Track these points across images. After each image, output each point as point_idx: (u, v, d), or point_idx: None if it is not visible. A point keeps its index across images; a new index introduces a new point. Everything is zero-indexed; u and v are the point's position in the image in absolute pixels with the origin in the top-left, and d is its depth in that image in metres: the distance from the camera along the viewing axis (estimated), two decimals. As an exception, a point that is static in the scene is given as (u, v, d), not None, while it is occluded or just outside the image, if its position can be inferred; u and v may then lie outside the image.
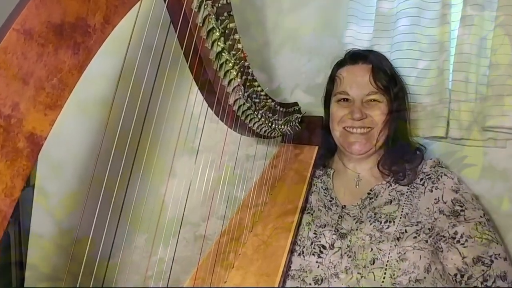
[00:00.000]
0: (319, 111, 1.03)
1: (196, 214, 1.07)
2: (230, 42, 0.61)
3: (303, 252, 0.79)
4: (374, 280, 0.71)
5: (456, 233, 0.74)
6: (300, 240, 0.81)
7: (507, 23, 0.86)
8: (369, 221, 0.80)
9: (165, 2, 0.47)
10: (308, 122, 1.04)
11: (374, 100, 0.88)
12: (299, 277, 0.77)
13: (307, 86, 1.17)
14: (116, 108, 0.43)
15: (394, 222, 0.78)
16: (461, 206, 0.77)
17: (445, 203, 0.78)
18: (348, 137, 0.90)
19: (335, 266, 0.76)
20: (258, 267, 0.72)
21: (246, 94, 0.71)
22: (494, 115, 0.86)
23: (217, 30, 0.57)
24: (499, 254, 0.71)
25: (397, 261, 0.72)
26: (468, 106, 0.92)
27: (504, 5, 0.86)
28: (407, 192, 0.83)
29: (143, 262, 0.94)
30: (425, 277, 0.71)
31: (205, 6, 0.54)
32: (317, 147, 1.02)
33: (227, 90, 0.67)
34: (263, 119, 0.80)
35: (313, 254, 0.78)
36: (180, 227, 1.03)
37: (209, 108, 0.68)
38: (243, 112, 0.74)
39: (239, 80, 0.66)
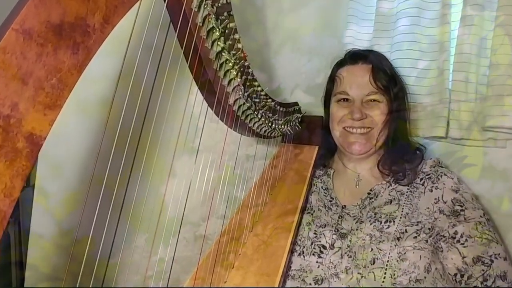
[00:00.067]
0: (319, 111, 1.03)
1: (196, 214, 1.07)
2: (230, 42, 0.61)
3: (303, 252, 0.79)
4: (374, 280, 0.71)
5: (456, 232, 0.74)
6: (300, 240, 0.81)
7: (507, 23, 0.85)
8: (369, 221, 0.80)
9: (164, 2, 0.47)
10: (308, 122, 1.04)
11: (374, 100, 0.88)
12: (299, 277, 0.77)
13: (307, 86, 1.17)
14: (116, 107, 0.43)
15: (394, 222, 0.78)
16: (461, 206, 0.77)
17: (445, 203, 0.78)
18: (348, 137, 0.90)
19: (335, 266, 0.76)
20: (258, 267, 0.72)
21: (246, 94, 0.71)
22: (494, 115, 0.86)
23: (217, 29, 0.57)
24: (499, 254, 0.71)
25: (397, 261, 0.72)
26: (468, 106, 0.92)
27: (504, 5, 0.86)
28: (407, 192, 0.83)
29: (143, 262, 0.94)
30: (425, 277, 0.71)
31: (205, 6, 0.54)
32: (317, 147, 1.02)
33: (227, 90, 0.67)
34: (263, 119, 0.80)
35: (313, 254, 0.78)
36: (180, 227, 1.03)
37: (209, 108, 0.67)
38: (243, 112, 0.74)
39: (239, 80, 0.66)
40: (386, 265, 0.72)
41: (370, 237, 0.77)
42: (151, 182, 0.95)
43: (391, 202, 0.82)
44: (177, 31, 0.51)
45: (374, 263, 0.73)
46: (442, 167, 0.85)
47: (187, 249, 1.10)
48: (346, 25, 1.12)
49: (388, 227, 0.77)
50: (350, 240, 0.78)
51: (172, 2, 0.49)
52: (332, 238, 0.79)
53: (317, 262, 0.77)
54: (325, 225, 0.83)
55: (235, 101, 0.70)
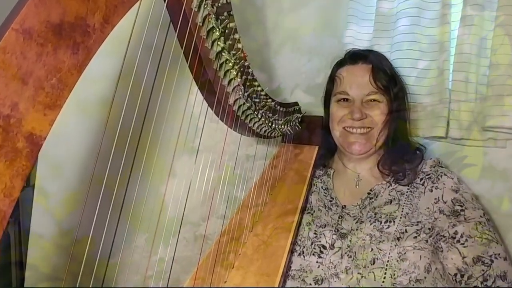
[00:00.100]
0: (319, 111, 1.03)
1: (196, 214, 1.07)
2: (230, 42, 0.61)
3: (303, 252, 0.79)
4: (375, 280, 0.71)
5: (456, 232, 0.74)
6: (300, 240, 0.81)
7: (507, 23, 0.85)
8: (369, 221, 0.80)
9: (164, 2, 0.47)
10: (308, 122, 1.04)
11: (374, 100, 0.88)
12: (299, 277, 0.77)
13: (307, 86, 1.17)
14: (116, 107, 0.43)
15: (394, 222, 0.78)
16: (461, 206, 0.77)
17: (445, 202, 0.78)
18: (348, 137, 0.90)
19: (335, 266, 0.76)
20: (258, 267, 0.72)
21: (246, 94, 0.71)
22: (494, 115, 0.86)
23: (217, 29, 0.57)
24: (499, 254, 0.71)
25: (397, 261, 0.72)
26: (468, 106, 0.92)
27: (504, 5, 0.86)
28: (407, 192, 0.83)
29: (143, 262, 0.94)
30: (425, 277, 0.71)
31: (205, 6, 0.54)
32: (317, 147, 1.02)
33: (227, 90, 0.67)
34: (263, 119, 0.80)
35: (313, 254, 0.78)
36: (180, 227, 1.03)
37: (209, 108, 0.67)
38: (243, 112, 0.74)
39: (239, 79, 0.66)
40: (386, 265, 0.72)
41: (370, 237, 0.77)
42: (151, 182, 0.95)
43: (391, 202, 0.82)
44: (177, 31, 0.51)
45: (374, 263, 0.73)
46: (442, 167, 0.85)
47: (187, 249, 1.10)
48: (346, 25, 1.12)
49: (388, 227, 0.77)
50: (350, 240, 0.78)
51: (172, 2, 0.49)
52: (332, 238, 0.79)
53: (317, 262, 0.77)
54: (325, 225, 0.83)
55: (235, 101, 0.70)
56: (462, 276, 0.71)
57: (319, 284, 0.75)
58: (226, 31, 0.59)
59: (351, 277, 0.73)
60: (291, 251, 0.78)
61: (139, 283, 0.90)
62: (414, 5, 1.00)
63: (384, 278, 0.71)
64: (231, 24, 0.59)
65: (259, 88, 0.75)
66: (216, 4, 0.55)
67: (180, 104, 0.82)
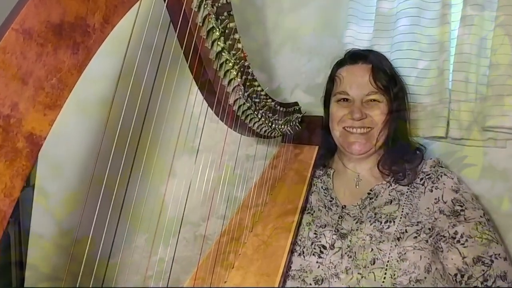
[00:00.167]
0: (319, 111, 1.03)
1: (196, 214, 1.07)
2: (230, 42, 0.61)
3: (303, 252, 0.79)
4: (375, 280, 0.71)
5: (456, 233, 0.74)
6: (300, 240, 0.81)
7: (507, 23, 0.85)
8: (369, 221, 0.80)
9: (164, 2, 0.47)
10: (308, 122, 1.04)
11: (374, 100, 0.88)
12: (299, 277, 0.77)
13: (307, 86, 1.17)
14: (116, 107, 0.43)
15: (394, 222, 0.78)
16: (461, 206, 0.77)
17: (445, 203, 0.78)
18: (348, 137, 0.90)
19: (335, 266, 0.76)
20: (258, 267, 0.72)
21: (246, 94, 0.71)
22: (494, 115, 0.86)
23: (217, 29, 0.57)
24: (499, 254, 0.71)
25: (397, 261, 0.72)
26: (468, 106, 0.92)
27: (504, 5, 0.86)
28: (407, 192, 0.83)
29: (143, 262, 0.94)
30: (425, 277, 0.71)
31: (205, 6, 0.54)
32: (317, 147, 1.02)
33: (227, 90, 0.67)
34: (263, 119, 0.80)
35: (313, 254, 0.78)
36: (180, 227, 1.03)
37: (209, 108, 0.67)
38: (243, 112, 0.74)
39: (239, 80, 0.66)
40: (386, 265, 0.72)
41: (370, 237, 0.76)
42: (151, 182, 0.95)
43: (391, 202, 0.82)
44: (177, 31, 0.51)
45: (374, 263, 0.73)
46: (442, 167, 0.85)
47: (187, 249, 1.10)
48: (346, 25, 1.12)
49: (388, 227, 0.77)
50: (350, 240, 0.78)
51: (172, 2, 0.49)
52: (332, 238, 0.79)
53: (317, 262, 0.77)
54: (325, 225, 0.83)
55: (235, 101, 0.70)
56: (462, 276, 0.71)
57: (319, 284, 0.75)
58: (226, 31, 0.59)
59: (351, 277, 0.73)
60: (291, 251, 0.78)
61: (139, 283, 0.90)
62: (414, 5, 1.00)
63: (384, 278, 0.71)
64: (231, 24, 0.59)
65: (259, 88, 0.75)
66: (216, 4, 0.55)
67: (180, 104, 0.82)
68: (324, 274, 0.76)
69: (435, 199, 0.79)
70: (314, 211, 0.87)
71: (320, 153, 1.01)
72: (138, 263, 0.97)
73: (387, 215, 0.79)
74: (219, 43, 0.59)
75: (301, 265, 0.78)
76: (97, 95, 1.00)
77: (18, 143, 0.31)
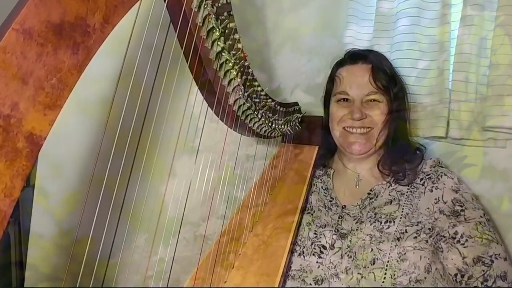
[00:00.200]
0: (319, 111, 1.03)
1: (196, 214, 1.07)
2: (230, 42, 0.61)
3: (303, 252, 0.79)
4: (375, 280, 0.71)
5: (456, 233, 0.74)
6: (300, 240, 0.81)
7: (507, 23, 0.85)
8: (369, 221, 0.80)
9: (165, 2, 0.47)
10: (308, 122, 1.04)
11: (374, 100, 0.88)
12: (299, 277, 0.77)
13: (307, 86, 1.17)
14: (116, 107, 0.43)
15: (394, 222, 0.78)
16: (461, 206, 0.77)
17: (445, 203, 0.78)
18: (348, 137, 0.90)
19: (335, 266, 0.76)
20: (258, 267, 0.72)
21: (246, 94, 0.71)
22: (494, 115, 0.86)
23: (217, 29, 0.57)
24: (499, 254, 0.71)
25: (397, 261, 0.72)
26: (468, 106, 0.92)
27: (504, 5, 0.86)
28: (407, 192, 0.83)
29: (143, 262, 0.94)
30: (425, 277, 0.71)
31: (205, 6, 0.54)
32: (317, 147, 1.02)
33: (227, 90, 0.67)
34: (263, 119, 0.80)
35: (313, 254, 0.78)
36: (180, 227, 1.03)
37: (209, 108, 0.67)
38: (243, 112, 0.74)
39: (239, 80, 0.66)
40: (386, 266, 0.72)
41: (370, 237, 0.76)
42: (151, 182, 0.95)
43: (391, 202, 0.82)
44: (177, 31, 0.51)
45: (374, 264, 0.73)
46: (442, 167, 0.85)
47: (187, 249, 1.10)
48: (346, 25, 1.12)
49: (388, 227, 0.77)
50: (350, 240, 0.78)
51: (172, 2, 0.49)
52: (332, 238, 0.79)
53: (317, 262, 0.77)
54: (325, 225, 0.83)
55: (235, 101, 0.70)
56: (462, 276, 0.71)
57: (319, 284, 0.75)
58: (226, 31, 0.59)
59: (351, 277, 0.73)
60: (291, 251, 0.78)
61: (139, 283, 0.90)
62: (414, 5, 1.00)
63: (384, 278, 0.71)
64: (231, 24, 0.59)
65: (259, 88, 0.75)
66: (216, 4, 0.55)
67: (180, 104, 0.82)
68: (324, 274, 0.76)
69: (435, 199, 0.79)
70: (314, 211, 0.87)
71: (320, 153, 1.01)
72: (138, 263, 0.97)
73: (387, 215, 0.79)
74: (219, 43, 0.59)
75: (301, 265, 0.78)
76: (97, 95, 1.00)
77: (18, 143, 0.31)
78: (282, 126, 0.91)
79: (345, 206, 0.86)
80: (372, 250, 0.74)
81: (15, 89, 0.30)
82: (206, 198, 0.80)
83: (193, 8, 0.52)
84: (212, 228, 0.97)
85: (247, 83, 0.71)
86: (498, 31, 0.86)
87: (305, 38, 1.17)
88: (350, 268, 0.74)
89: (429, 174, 0.84)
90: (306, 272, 0.77)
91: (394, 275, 0.71)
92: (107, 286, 0.62)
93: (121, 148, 0.44)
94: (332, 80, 0.96)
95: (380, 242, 0.75)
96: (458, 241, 0.73)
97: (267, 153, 1.07)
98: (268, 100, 0.80)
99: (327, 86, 0.98)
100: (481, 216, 0.76)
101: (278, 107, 0.86)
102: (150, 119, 0.51)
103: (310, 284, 0.75)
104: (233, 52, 0.62)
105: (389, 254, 0.73)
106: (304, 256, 0.79)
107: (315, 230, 0.82)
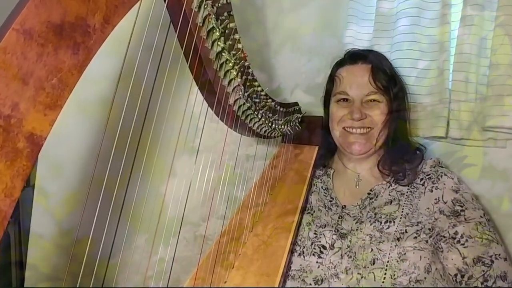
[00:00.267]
0: (319, 111, 1.03)
1: (196, 214, 1.07)
2: (230, 42, 0.61)
3: (303, 252, 0.79)
4: (374, 280, 0.71)
5: (456, 233, 0.74)
6: (300, 240, 0.81)
7: (507, 23, 0.86)
8: (369, 221, 0.80)
9: (165, 2, 0.47)
10: (308, 122, 1.04)
11: (374, 100, 0.88)
12: (299, 277, 0.77)
13: (307, 86, 1.17)
14: (116, 108, 0.43)
15: (394, 222, 0.78)
16: (461, 206, 0.77)
17: (445, 203, 0.78)
18: (348, 137, 0.90)
19: (335, 266, 0.76)
20: (258, 267, 0.72)
21: (246, 94, 0.71)
22: (494, 115, 0.86)
23: (217, 30, 0.57)
24: (499, 254, 0.71)
25: (397, 261, 0.72)
26: (468, 106, 0.92)
27: (504, 5, 0.86)
28: (407, 192, 0.83)
29: (143, 262, 0.94)
30: (425, 278, 0.71)
31: (205, 6, 0.54)
32: (317, 147, 1.02)
33: (227, 90, 0.67)
34: (263, 119, 0.80)
35: (313, 254, 0.78)
36: (180, 227, 1.03)
37: (209, 108, 0.68)
38: (243, 112, 0.74)
39: (239, 80, 0.66)
40: (386, 266, 0.72)
41: (370, 237, 0.77)
42: (151, 182, 0.95)
43: (391, 202, 0.82)
44: (177, 31, 0.51)
45: (374, 264, 0.73)
46: (442, 167, 0.85)
47: (187, 249, 1.10)
48: (346, 25, 1.12)
49: (388, 228, 0.77)
50: (350, 241, 0.78)
51: (172, 2, 0.49)
52: (332, 239, 0.79)
53: (317, 262, 0.77)
54: (325, 225, 0.83)
55: (235, 101, 0.70)
56: (462, 276, 0.71)
57: (319, 284, 0.75)
58: (226, 31, 0.59)
59: (351, 277, 0.73)
60: (291, 251, 0.78)
61: (139, 283, 0.90)
62: (414, 5, 1.00)
63: (384, 278, 0.71)
64: (231, 24, 0.59)
65: (259, 88, 0.75)
66: (216, 4, 0.55)
67: (180, 104, 0.82)
68: (324, 274, 0.76)
69: (435, 199, 0.79)
70: (314, 211, 0.87)
71: (320, 153, 1.01)
72: (138, 263, 0.97)
73: (387, 215, 0.79)
74: (219, 43, 0.59)
75: (301, 265, 0.78)
76: (97, 95, 1.00)
77: (19, 143, 0.31)
78: (282, 126, 0.91)
79: (345, 206, 0.86)
80: (372, 250, 0.74)
81: (15, 89, 0.30)
82: (206, 198, 0.80)
83: (193, 8, 0.52)
84: (212, 228, 0.97)
85: (247, 83, 0.71)
86: (498, 31, 0.86)
87: (305, 38, 1.17)
88: (350, 268, 0.74)
89: (429, 174, 0.84)
90: (306, 272, 0.77)
91: (394, 275, 0.71)
92: (107, 286, 0.62)
93: (121, 148, 0.44)
94: (332, 80, 0.96)
95: (380, 242, 0.75)
96: (458, 241, 0.73)
97: (267, 153, 1.07)
98: (268, 100, 0.80)
99: (327, 86, 0.98)
100: (481, 216, 0.76)
101: (278, 107, 0.86)
102: (150, 119, 0.51)
103: (310, 284, 0.75)
104: (233, 52, 0.62)
105: (389, 254, 0.73)
106: (304, 256, 0.79)
107: (315, 230, 0.82)
